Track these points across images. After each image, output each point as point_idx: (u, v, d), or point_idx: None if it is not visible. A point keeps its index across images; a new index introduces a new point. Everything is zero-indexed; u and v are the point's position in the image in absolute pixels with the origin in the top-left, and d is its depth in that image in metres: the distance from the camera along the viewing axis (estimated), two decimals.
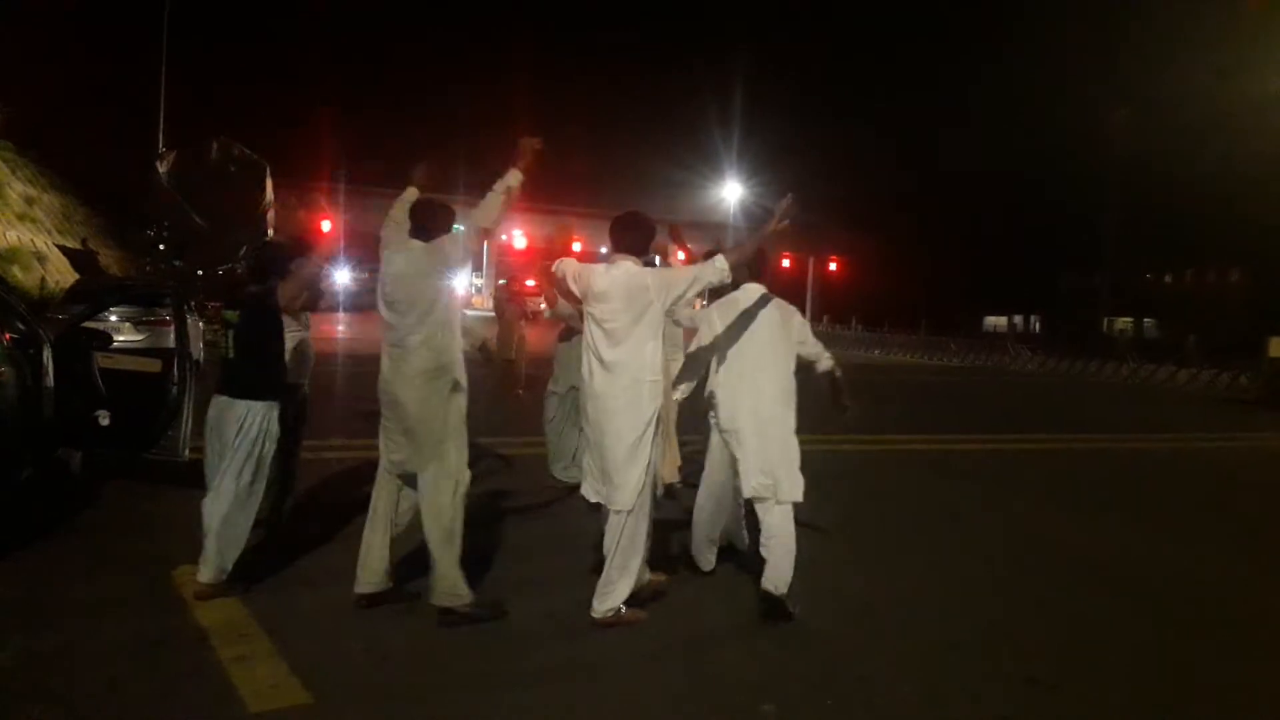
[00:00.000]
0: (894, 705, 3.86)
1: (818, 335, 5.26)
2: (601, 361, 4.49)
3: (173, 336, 6.64)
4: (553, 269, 4.86)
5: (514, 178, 4.54)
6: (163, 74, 27.46)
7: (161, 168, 7.05)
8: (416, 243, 4.51)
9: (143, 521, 5.97)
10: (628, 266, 4.53)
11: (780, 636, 4.57)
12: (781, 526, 4.82)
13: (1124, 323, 58.51)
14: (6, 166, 26.24)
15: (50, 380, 5.98)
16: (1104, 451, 11.99)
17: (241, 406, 4.75)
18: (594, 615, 4.49)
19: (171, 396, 6.22)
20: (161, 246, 6.87)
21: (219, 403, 4.82)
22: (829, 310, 56.96)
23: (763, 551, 4.82)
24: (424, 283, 4.41)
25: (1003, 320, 65.83)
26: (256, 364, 4.85)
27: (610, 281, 4.50)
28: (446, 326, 4.46)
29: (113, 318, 11.88)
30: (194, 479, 5.93)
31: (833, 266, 60.32)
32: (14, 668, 3.78)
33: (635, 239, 4.65)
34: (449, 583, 4.44)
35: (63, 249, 25.49)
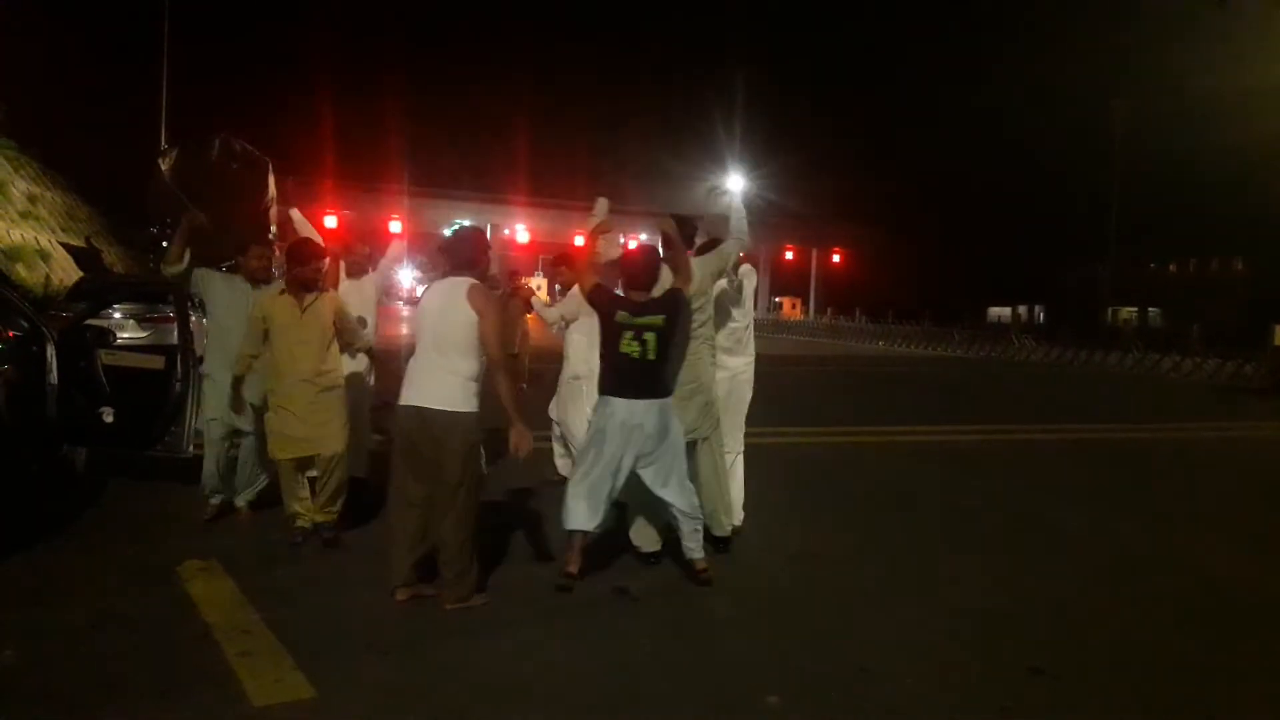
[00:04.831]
0: (897, 697, 3.86)
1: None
2: None
3: (176, 333, 6.66)
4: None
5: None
6: (164, 70, 27.48)
7: (164, 165, 7.05)
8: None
9: (147, 518, 5.99)
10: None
11: (785, 628, 4.58)
12: None
13: (1128, 312, 58.37)
14: (9, 165, 26.26)
15: (54, 378, 6.01)
16: (1108, 441, 11.98)
17: (666, 405, 4.92)
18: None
19: (175, 393, 6.25)
20: (165, 244, 6.88)
21: (639, 406, 4.81)
22: (833, 302, 56.92)
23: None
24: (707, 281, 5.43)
25: (1006, 311, 65.72)
26: (672, 364, 5.01)
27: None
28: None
29: (116, 315, 11.93)
30: (199, 476, 5.98)
31: (836, 259, 60.26)
32: (18, 665, 3.79)
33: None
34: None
35: (66, 247, 25.53)
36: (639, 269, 5.00)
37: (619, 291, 5.07)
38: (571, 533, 4.90)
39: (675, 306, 4.95)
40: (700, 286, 5.32)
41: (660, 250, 5.34)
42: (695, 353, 5.33)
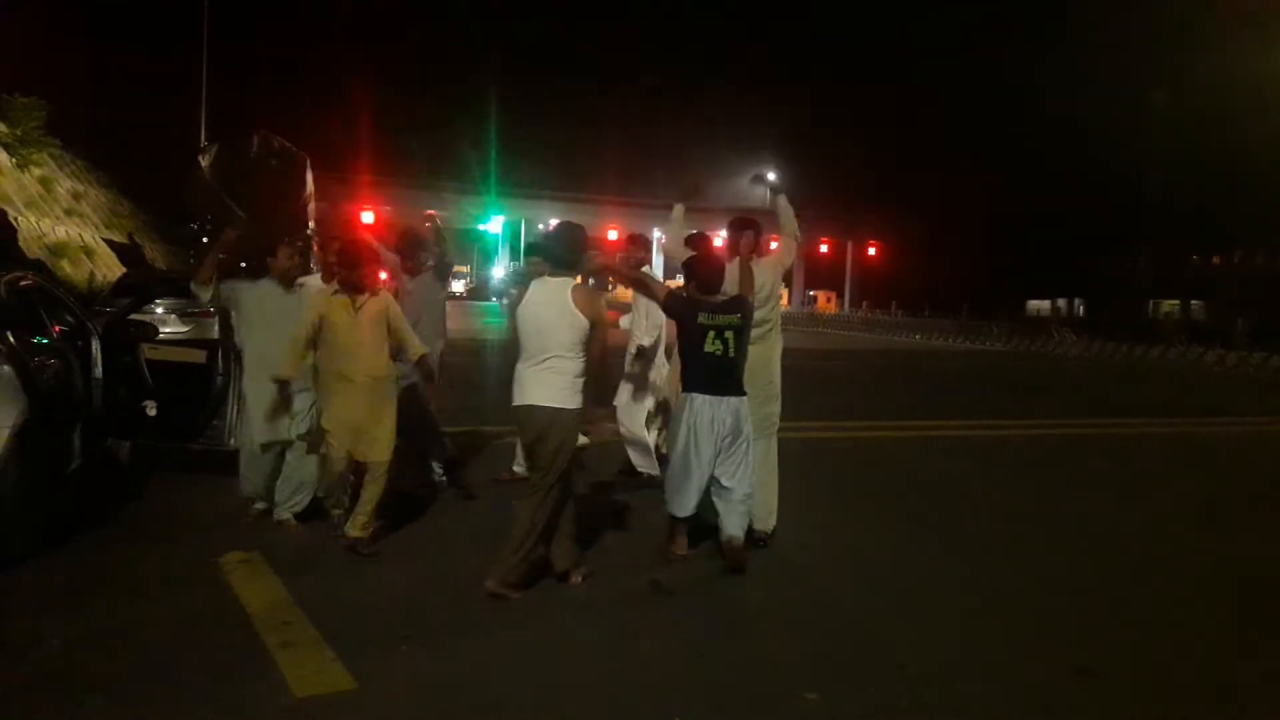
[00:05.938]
0: (938, 694, 3.82)
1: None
2: None
3: (217, 328, 6.74)
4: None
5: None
6: (204, 67, 27.82)
7: (204, 162, 7.13)
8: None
9: (190, 510, 6.05)
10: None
11: (821, 623, 4.55)
12: None
13: (1170, 305, 57.38)
14: (54, 163, 26.75)
15: (99, 372, 6.11)
16: (1152, 436, 11.78)
17: (743, 403, 5.20)
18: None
19: (216, 387, 6.32)
20: (206, 239, 6.96)
21: (721, 404, 5.10)
22: (868, 295, 56.49)
23: None
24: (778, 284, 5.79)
25: (1045, 304, 64.86)
26: (743, 363, 5.25)
27: None
28: None
29: (158, 310, 12.12)
30: (240, 470, 6.03)
31: (871, 251, 59.80)
32: (62, 654, 3.84)
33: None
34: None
35: (110, 243, 25.98)
36: (714, 273, 5.27)
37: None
38: (676, 520, 5.25)
39: (745, 308, 5.23)
40: (771, 290, 5.63)
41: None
42: (767, 353, 5.61)
